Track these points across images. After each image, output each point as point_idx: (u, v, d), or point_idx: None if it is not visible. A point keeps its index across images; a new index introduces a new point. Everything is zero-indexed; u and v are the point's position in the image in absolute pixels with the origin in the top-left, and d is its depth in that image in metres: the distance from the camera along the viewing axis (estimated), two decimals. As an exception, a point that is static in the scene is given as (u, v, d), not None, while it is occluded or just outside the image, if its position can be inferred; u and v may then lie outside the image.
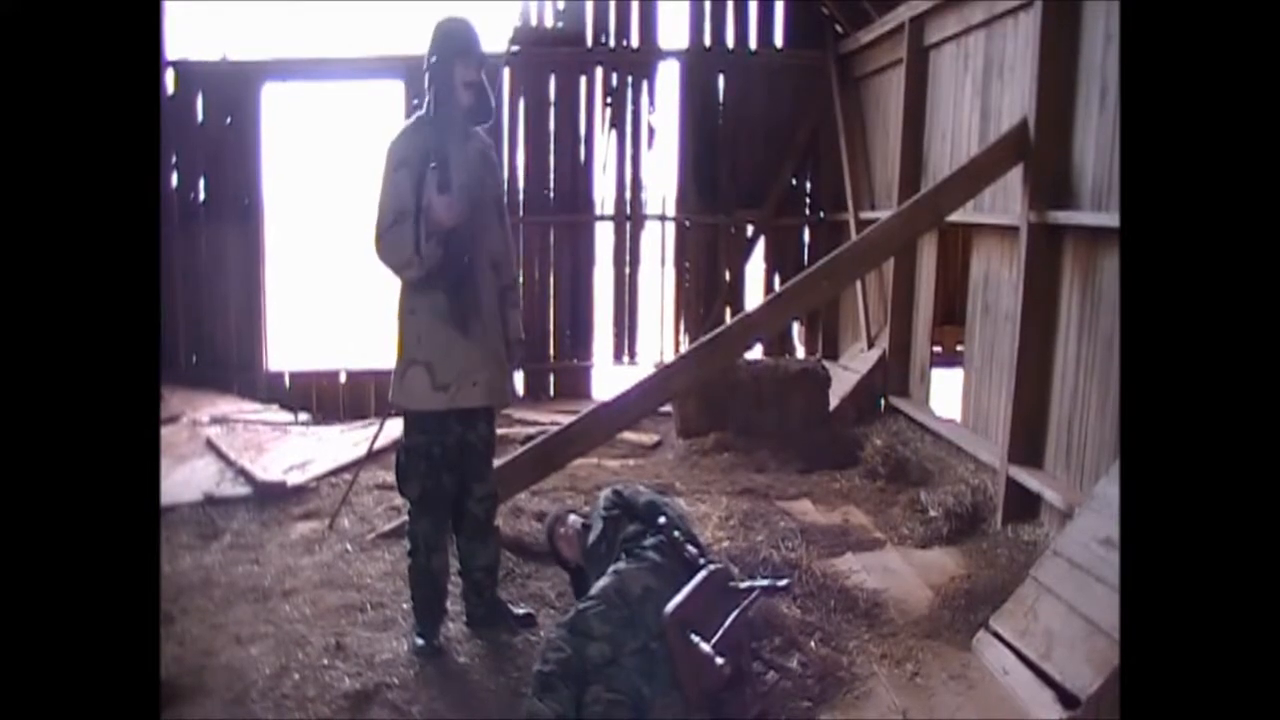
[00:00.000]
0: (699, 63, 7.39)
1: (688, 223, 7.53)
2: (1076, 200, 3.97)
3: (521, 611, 3.41)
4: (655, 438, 6.03)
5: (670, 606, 2.72)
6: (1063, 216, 4.01)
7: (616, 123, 7.38)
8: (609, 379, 7.38)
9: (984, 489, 4.52)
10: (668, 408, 5.66)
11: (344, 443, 5.83)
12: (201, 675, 3.01)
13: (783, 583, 3.07)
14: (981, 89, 4.91)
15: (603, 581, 2.94)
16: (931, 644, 3.27)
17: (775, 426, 5.60)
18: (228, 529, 4.49)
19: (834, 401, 6.00)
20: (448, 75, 3.04)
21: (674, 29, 7.39)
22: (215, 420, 6.29)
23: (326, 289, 14.84)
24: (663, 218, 7.53)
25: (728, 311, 7.44)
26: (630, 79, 7.34)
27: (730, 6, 7.38)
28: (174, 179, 7.07)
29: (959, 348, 5.88)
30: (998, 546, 4.09)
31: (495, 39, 7.13)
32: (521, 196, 7.33)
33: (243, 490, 4.95)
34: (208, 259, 7.18)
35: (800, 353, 7.64)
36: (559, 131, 7.34)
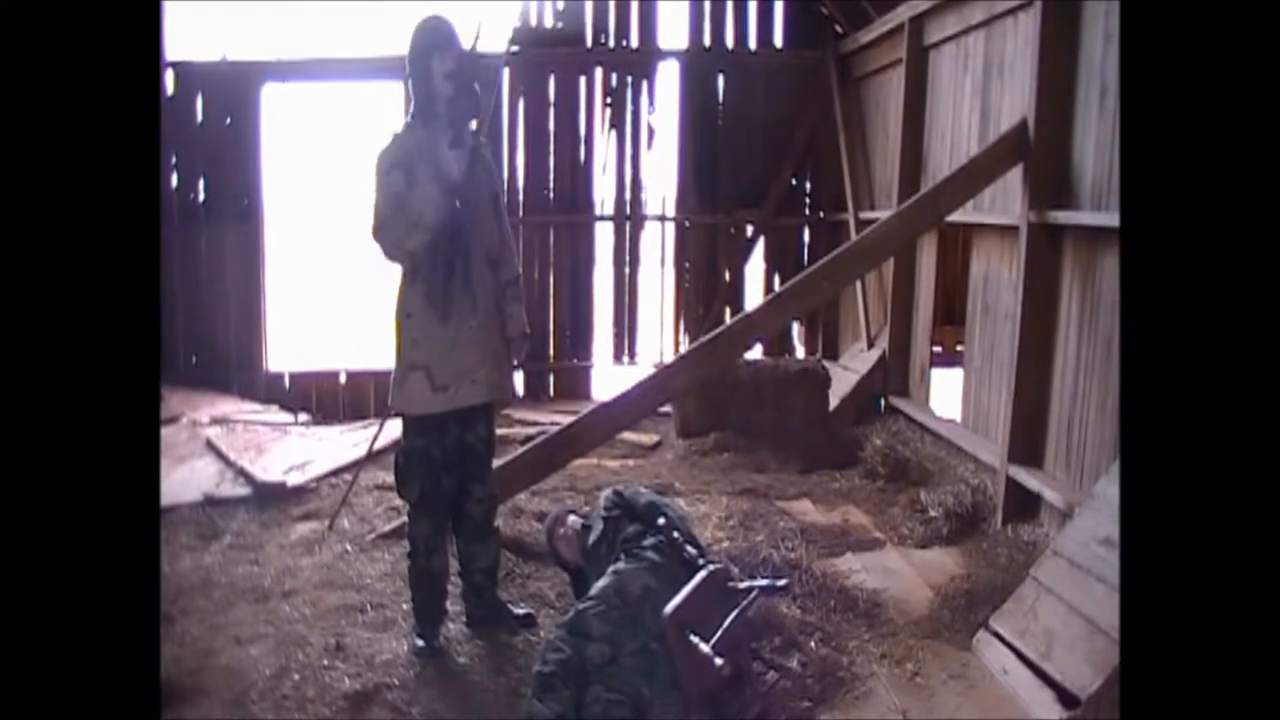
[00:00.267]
0: (699, 63, 7.39)
1: (687, 223, 7.53)
2: (1076, 200, 3.97)
3: (521, 612, 3.40)
4: (655, 438, 6.03)
5: (670, 607, 2.72)
6: (1062, 216, 4.01)
7: (616, 123, 7.38)
8: (609, 379, 7.38)
9: (984, 489, 4.52)
10: (668, 408, 5.66)
11: (344, 443, 5.83)
12: (201, 676, 3.01)
13: (782, 583, 3.06)
14: (981, 89, 4.90)
15: (602, 582, 2.94)
16: (931, 644, 3.27)
17: (775, 426, 5.60)
18: (227, 529, 4.49)
19: (834, 401, 5.99)
20: (426, 69, 3.05)
21: (674, 29, 7.40)
22: (215, 421, 6.29)
23: (326, 289, 14.83)
24: (662, 218, 7.53)
25: (728, 311, 7.44)
26: (630, 79, 7.34)
27: (730, 6, 7.38)
28: (174, 179, 7.06)
29: (959, 348, 5.88)
30: (998, 546, 4.09)
31: (495, 39, 7.15)
32: (521, 197, 7.33)
33: (242, 491, 4.95)
34: (208, 259, 7.18)
35: (800, 353, 7.64)
36: (559, 132, 7.34)
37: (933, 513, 4.43)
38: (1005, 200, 4.58)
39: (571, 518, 3.58)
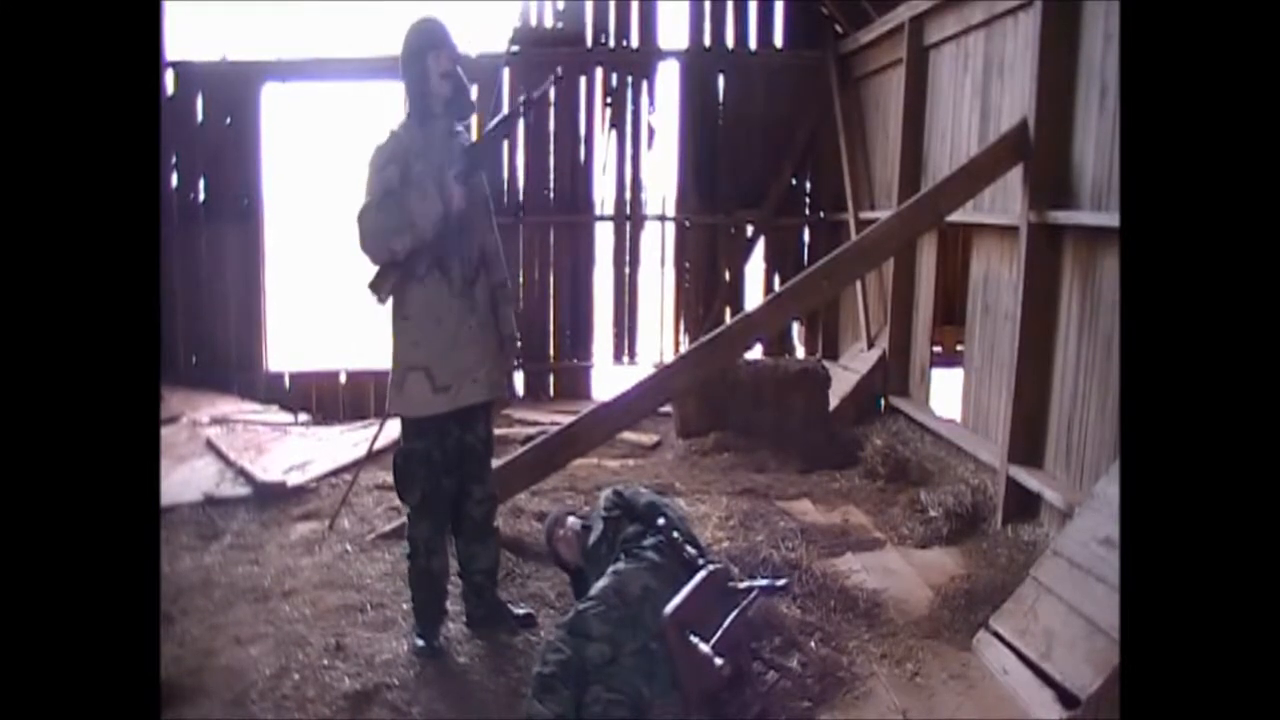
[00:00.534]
0: (699, 63, 7.38)
1: (688, 223, 7.53)
2: (1076, 200, 3.97)
3: (521, 612, 3.40)
4: (655, 438, 6.03)
5: (670, 607, 2.72)
6: (1062, 216, 4.01)
7: (616, 123, 7.38)
8: (609, 379, 7.38)
9: (984, 489, 4.52)
10: (668, 408, 5.66)
11: (344, 443, 5.83)
12: (201, 676, 3.01)
13: (782, 583, 3.06)
14: (981, 89, 4.90)
15: (602, 582, 2.94)
16: (931, 644, 3.27)
17: (775, 426, 5.60)
18: (228, 529, 4.49)
19: (834, 401, 5.99)
20: (422, 69, 3.05)
21: (674, 29, 7.40)
22: (215, 421, 6.29)
23: (327, 289, 14.82)
24: (662, 218, 7.53)
25: (728, 311, 7.44)
26: (630, 79, 7.34)
27: (730, 6, 7.37)
28: (174, 179, 7.06)
29: (959, 348, 5.88)
30: (998, 546, 4.09)
31: (495, 39, 7.15)
32: (521, 197, 7.33)
33: (243, 491, 4.95)
34: (208, 259, 7.18)
35: (800, 353, 7.64)
36: (559, 132, 7.34)
37: (933, 513, 4.43)
38: (1005, 200, 4.58)
39: (571, 519, 3.58)
